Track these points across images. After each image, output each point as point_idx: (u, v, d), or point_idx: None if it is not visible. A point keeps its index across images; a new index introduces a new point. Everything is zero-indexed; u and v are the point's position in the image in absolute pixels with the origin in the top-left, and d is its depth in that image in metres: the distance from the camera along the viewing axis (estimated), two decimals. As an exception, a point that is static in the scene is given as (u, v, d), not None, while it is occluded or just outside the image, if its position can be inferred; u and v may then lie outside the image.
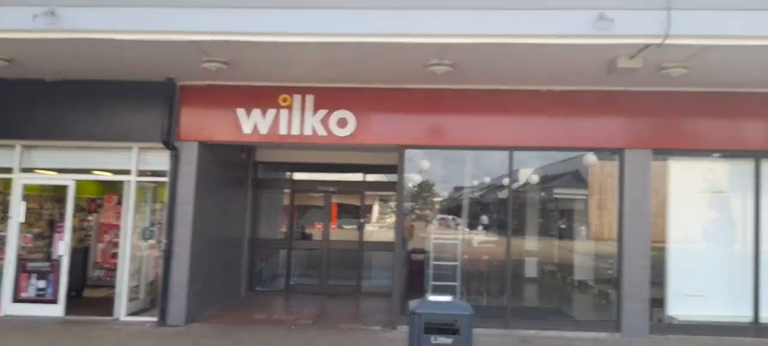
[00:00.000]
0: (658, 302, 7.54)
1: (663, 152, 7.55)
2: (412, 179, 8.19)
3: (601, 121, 7.46)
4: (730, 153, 7.58)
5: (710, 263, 7.64)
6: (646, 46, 5.46)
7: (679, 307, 7.57)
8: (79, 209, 9.97)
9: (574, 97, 7.44)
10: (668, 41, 5.28)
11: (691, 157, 7.66)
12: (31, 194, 8.23)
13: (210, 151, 7.98)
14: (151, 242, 8.42)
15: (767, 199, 7.55)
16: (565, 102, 7.45)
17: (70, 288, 8.13)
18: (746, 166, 7.60)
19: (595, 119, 7.46)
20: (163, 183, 7.79)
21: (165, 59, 6.49)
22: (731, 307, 7.52)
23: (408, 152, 7.76)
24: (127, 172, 7.84)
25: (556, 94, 7.45)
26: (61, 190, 8.01)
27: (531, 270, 8.31)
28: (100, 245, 9.97)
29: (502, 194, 7.87)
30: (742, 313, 7.48)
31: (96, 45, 5.86)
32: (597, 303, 8.03)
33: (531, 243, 8.37)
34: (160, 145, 7.41)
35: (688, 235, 7.71)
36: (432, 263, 8.19)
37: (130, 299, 7.92)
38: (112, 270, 9.36)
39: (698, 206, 7.71)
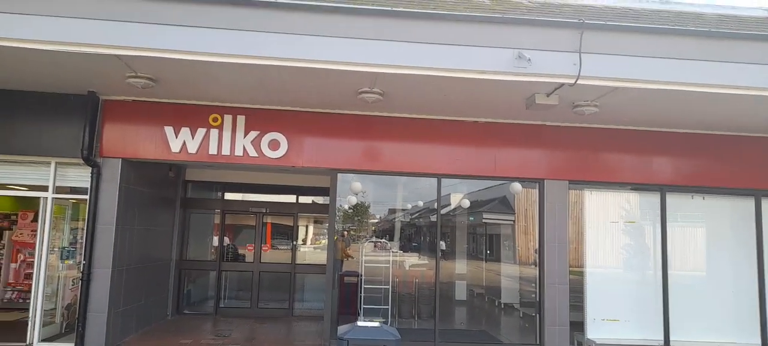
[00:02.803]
0: (578, 326, 7.88)
1: (579, 183, 7.99)
2: (346, 201, 8.23)
3: (523, 153, 7.80)
4: (639, 186, 8.10)
5: (625, 289, 8.08)
6: (561, 85, 5.81)
7: (598, 330, 7.91)
8: (-10, 225, 9.39)
9: (497, 129, 7.77)
10: (580, 82, 5.61)
11: (604, 188, 8.13)
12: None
13: (135, 168, 7.72)
14: (70, 262, 7.99)
15: (673, 228, 8.13)
16: (489, 133, 7.76)
17: (-23, 311, 7.59)
18: (653, 198, 8.15)
19: (517, 150, 7.79)
20: (83, 200, 7.43)
21: (87, 72, 6.25)
22: (644, 330, 7.96)
23: (340, 175, 7.81)
24: (43, 188, 7.42)
25: (481, 125, 7.76)
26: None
27: (460, 293, 8.52)
28: (13, 265, 9.36)
29: (434, 218, 8.07)
30: (654, 336, 7.93)
31: (9, 54, 5.56)
32: (522, 326, 8.30)
33: (460, 266, 8.60)
34: (80, 160, 7.09)
35: (605, 261, 8.13)
36: (363, 286, 8.23)
37: (45, 324, 7.43)
38: (26, 292, 8.80)
39: (613, 234, 8.18)
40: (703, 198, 8.25)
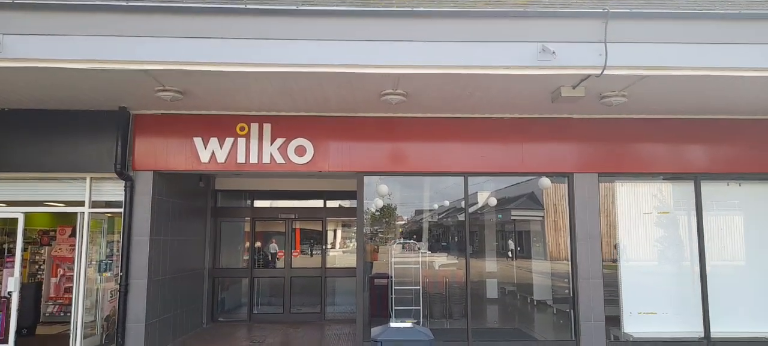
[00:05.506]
0: (614, 320, 7.74)
1: (609, 176, 7.85)
2: (374, 203, 8.25)
3: (551, 147, 7.71)
4: (672, 175, 7.92)
5: (661, 281, 7.90)
6: (587, 76, 5.73)
7: (635, 324, 7.77)
8: (30, 241, 9.68)
9: (524, 124, 7.69)
10: (607, 72, 5.52)
11: (636, 179, 7.97)
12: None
13: (166, 180, 7.89)
14: (107, 274, 8.20)
15: (709, 217, 7.91)
16: (515, 129, 7.69)
17: (22, 325, 7.80)
18: (687, 187, 7.96)
19: (544, 145, 7.70)
20: (118, 214, 7.62)
21: (118, 88, 6.42)
22: (684, 323, 7.78)
23: (367, 178, 7.84)
24: (80, 203, 7.64)
25: (507, 121, 7.70)
26: (11, 222, 7.74)
27: (491, 291, 8.43)
28: (54, 279, 9.64)
29: (461, 217, 8.02)
30: (694, 328, 7.74)
31: (45, 74, 5.75)
32: (556, 322, 8.18)
33: (490, 264, 8.51)
34: (114, 175, 7.28)
35: (639, 254, 7.97)
36: (394, 287, 8.23)
37: (86, 336, 7.66)
38: (67, 305, 9.07)
39: (646, 225, 8.01)
40: (740, 185, 8.01)
